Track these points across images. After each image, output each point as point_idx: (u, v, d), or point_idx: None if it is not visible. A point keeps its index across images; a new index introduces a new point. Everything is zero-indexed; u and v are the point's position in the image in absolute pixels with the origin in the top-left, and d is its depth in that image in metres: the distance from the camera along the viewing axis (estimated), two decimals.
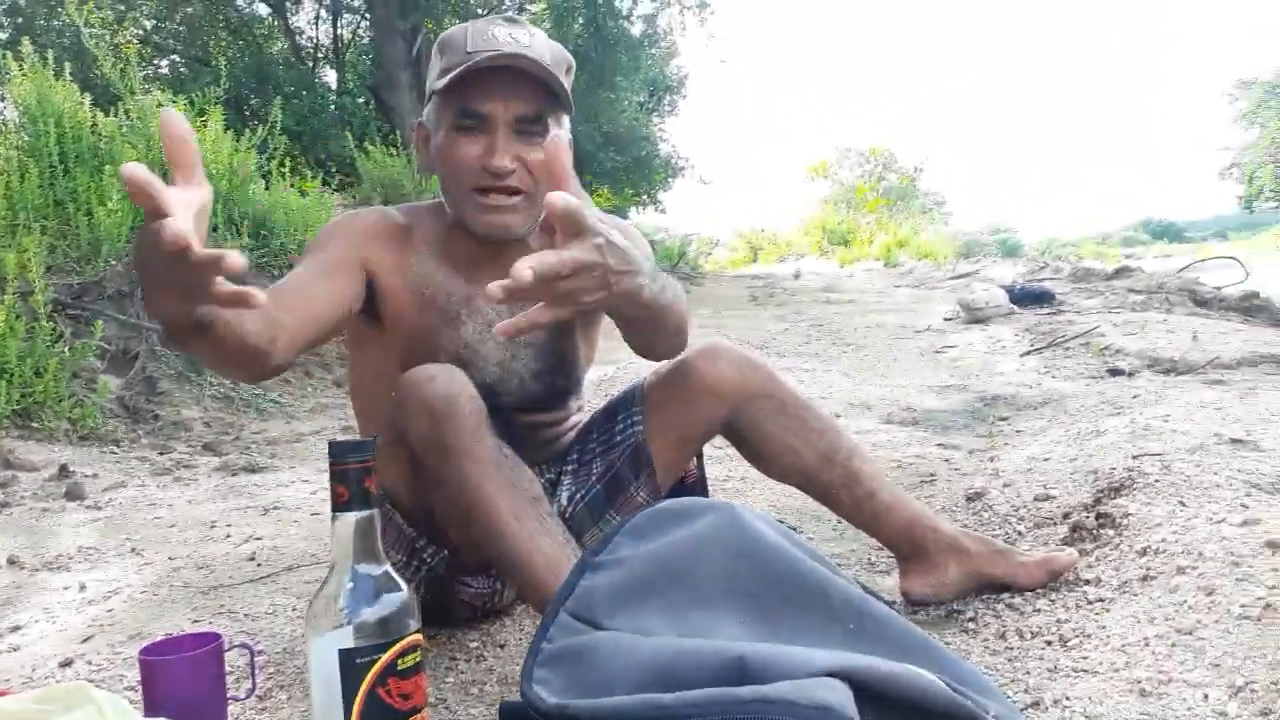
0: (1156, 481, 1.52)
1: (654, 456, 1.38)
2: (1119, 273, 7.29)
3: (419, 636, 0.82)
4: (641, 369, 4.28)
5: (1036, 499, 1.76)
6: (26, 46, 4.50)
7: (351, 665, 0.77)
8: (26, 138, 4.35)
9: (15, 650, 1.48)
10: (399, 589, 0.83)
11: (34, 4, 8.89)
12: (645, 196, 13.08)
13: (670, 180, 13.20)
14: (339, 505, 0.82)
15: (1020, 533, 1.65)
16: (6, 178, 3.99)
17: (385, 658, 0.78)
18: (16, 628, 1.60)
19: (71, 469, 2.77)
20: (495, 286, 0.88)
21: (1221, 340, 3.82)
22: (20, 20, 8.60)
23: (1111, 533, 1.40)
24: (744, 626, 0.73)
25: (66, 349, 3.35)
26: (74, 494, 2.56)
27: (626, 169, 11.92)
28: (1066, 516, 1.61)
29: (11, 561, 1.95)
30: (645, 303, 0.99)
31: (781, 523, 0.88)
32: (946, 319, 5.98)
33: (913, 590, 1.36)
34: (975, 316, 5.67)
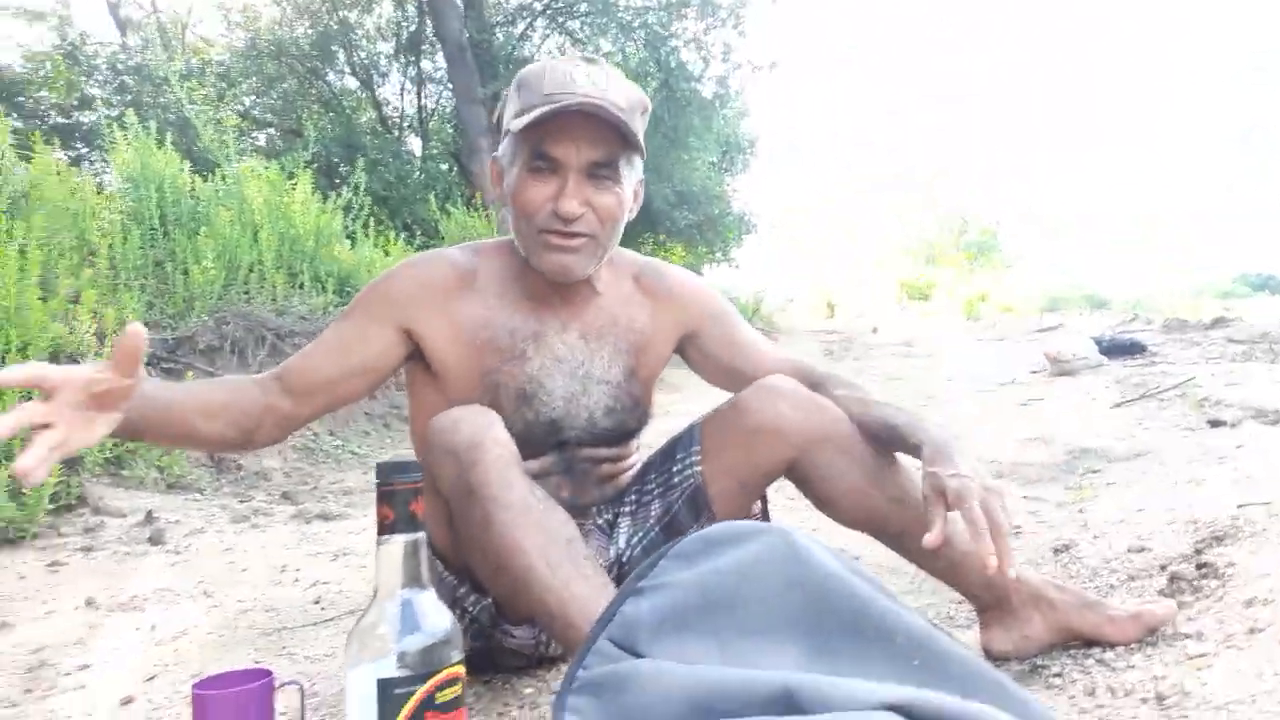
0: (1264, 530, 1.41)
1: (713, 500, 1.32)
2: (1217, 323, 6.96)
3: (460, 669, 0.79)
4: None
5: (1130, 550, 1.65)
6: (131, 116, 4.79)
7: (389, 695, 0.74)
8: (130, 203, 4.61)
9: (81, 688, 1.50)
10: (444, 617, 0.80)
11: (142, 82, 9.48)
12: (719, 254, 13.11)
13: (743, 236, 13.21)
14: (384, 528, 0.80)
15: (1113, 585, 1.54)
16: (110, 239, 4.21)
17: (424, 689, 0.75)
18: (85, 666, 1.62)
19: (156, 515, 2.84)
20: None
21: None
22: (129, 97, 9.17)
23: (1215, 583, 1.29)
24: (797, 659, 0.67)
25: None
26: (156, 539, 2.62)
27: (700, 227, 11.99)
28: (1164, 568, 1.50)
29: (89, 602, 1.99)
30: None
31: (842, 551, 0.82)
32: (1033, 371, 5.78)
33: (994, 644, 1.27)
34: (1062, 369, 5.46)
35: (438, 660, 0.77)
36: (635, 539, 1.37)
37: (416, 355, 1.33)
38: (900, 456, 1.33)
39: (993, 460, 3.21)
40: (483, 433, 1.14)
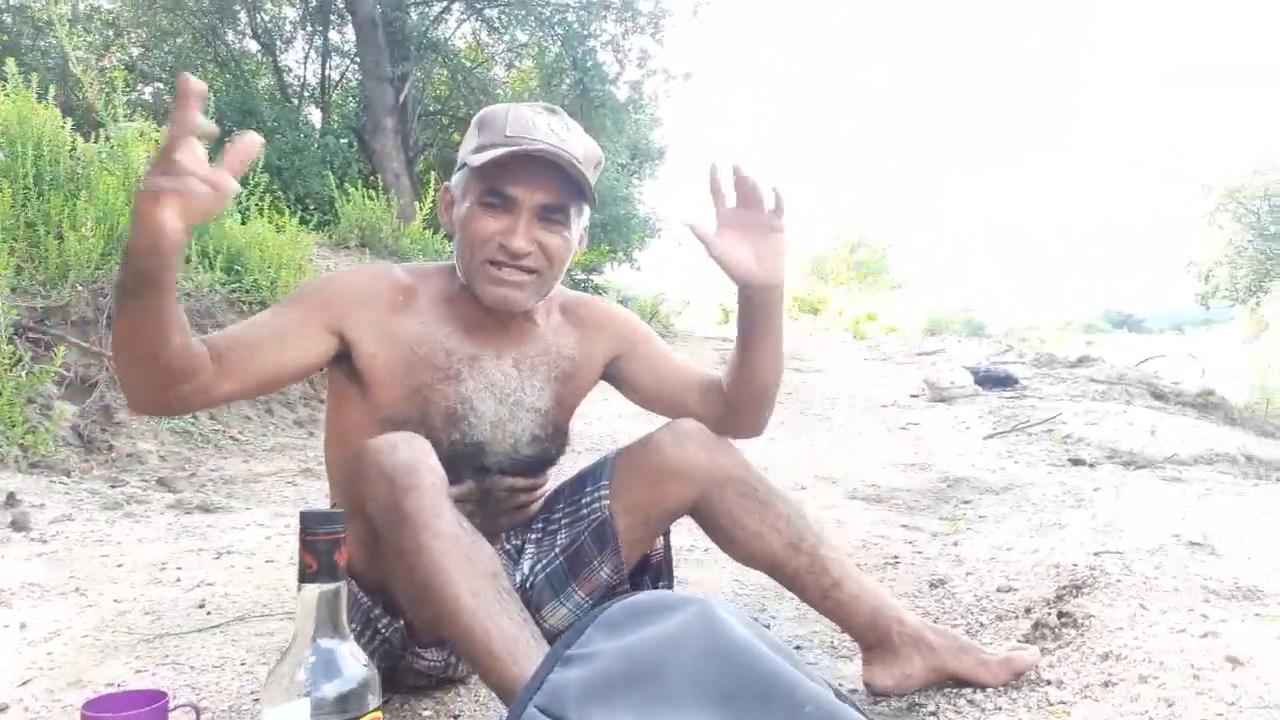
0: (1118, 581, 1.54)
1: (619, 534, 1.37)
2: (1081, 361, 7.43)
3: (379, 715, 0.80)
4: (604, 429, 4.27)
5: (999, 590, 1.77)
6: (11, 67, 4.48)
7: None
8: (3, 158, 4.31)
9: None
10: (361, 665, 0.81)
11: (21, 23, 8.86)
12: (621, 254, 13.18)
13: (647, 239, 13.31)
14: (306, 576, 0.80)
15: (982, 624, 1.65)
16: None
17: None
18: None
19: (19, 498, 2.69)
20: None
21: (1179, 436, 3.90)
22: (6, 38, 8.55)
23: (1073, 632, 1.40)
24: None
25: (24, 373, 3.27)
26: (19, 524, 2.48)
27: (605, 226, 12.01)
28: (1028, 611, 1.62)
29: None
30: (779, 321, 1.34)
31: (755, 620, 0.87)
32: (913, 395, 6.05)
33: (875, 681, 1.36)
34: (940, 395, 5.74)
35: (355, 707, 0.78)
36: (539, 566, 1.40)
37: (344, 360, 1.33)
38: (797, 502, 1.43)
39: (873, 484, 3.36)
40: (419, 459, 1.15)
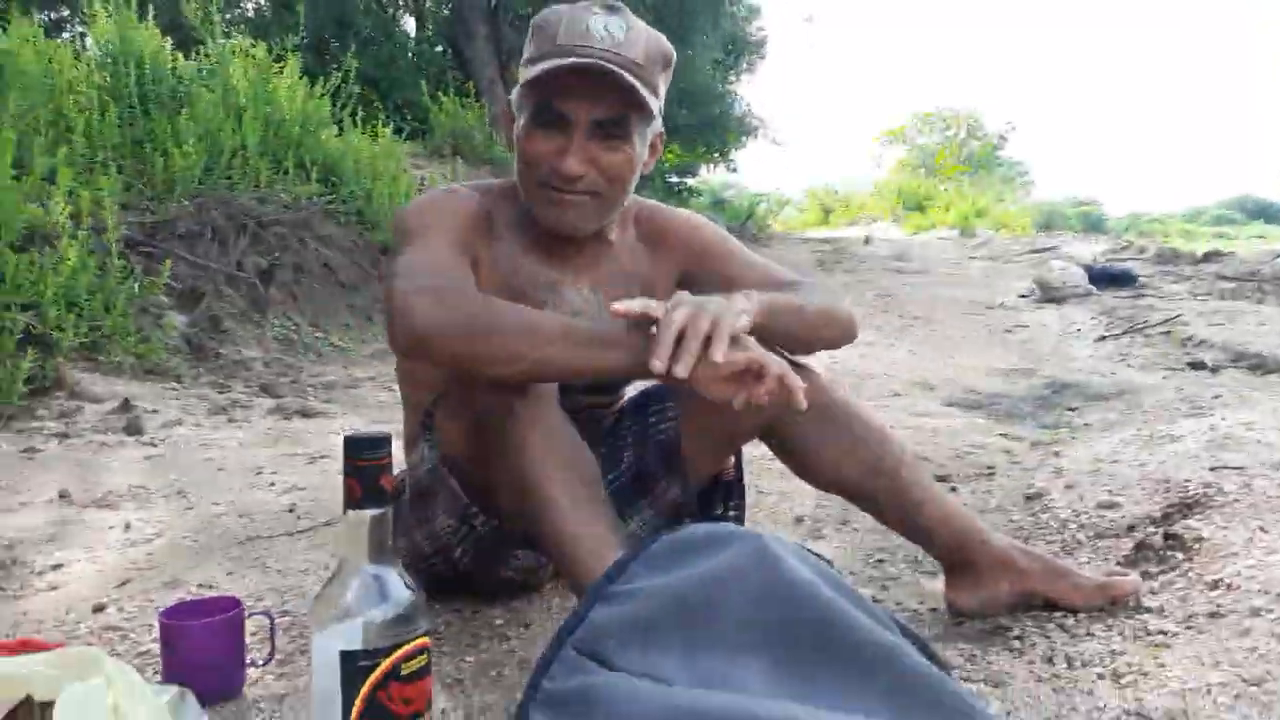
0: (1236, 501, 1.42)
1: (686, 458, 1.33)
2: (1209, 256, 6.93)
3: (426, 640, 0.78)
4: None
5: (1100, 506, 1.66)
6: None
7: (354, 668, 0.74)
8: (108, 77, 4.42)
9: (54, 589, 1.51)
10: (408, 590, 0.80)
11: None
12: (718, 154, 12.87)
13: (744, 139, 12.93)
14: (351, 502, 0.79)
15: (1080, 541, 1.56)
16: (87, 115, 4.06)
17: (389, 662, 0.74)
18: (58, 565, 1.63)
19: (133, 404, 2.83)
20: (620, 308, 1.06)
21: None
22: None
23: (1180, 556, 1.30)
24: (767, 676, 0.67)
25: (136, 285, 3.41)
26: (133, 429, 2.62)
27: (699, 127, 11.71)
28: (1131, 529, 1.51)
29: (62, 496, 1.99)
30: (776, 322, 1.15)
31: (814, 554, 0.81)
32: (1021, 296, 5.77)
33: (959, 602, 1.29)
34: (1051, 295, 5.45)
35: (404, 633, 0.77)
36: (607, 480, 1.37)
37: None
38: (878, 422, 1.34)
39: (972, 389, 3.22)
40: None
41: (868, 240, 11.02)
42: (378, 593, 0.78)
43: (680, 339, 1.02)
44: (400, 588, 0.79)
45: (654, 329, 1.05)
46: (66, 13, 8.88)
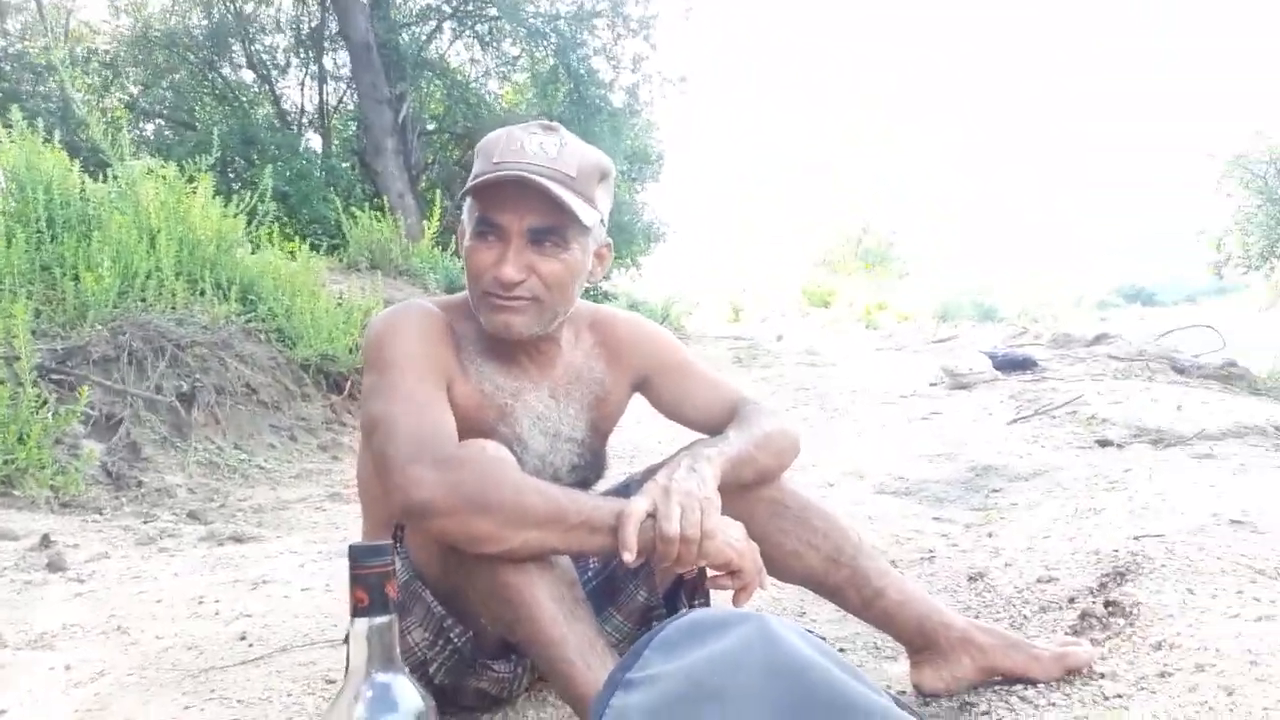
0: (1162, 566, 1.53)
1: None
2: (1098, 339, 7.39)
3: None
4: (627, 437, 4.26)
5: (1040, 581, 1.76)
6: (16, 114, 4.53)
7: None
8: (14, 203, 4.35)
9: None
10: (417, 699, 0.81)
11: (20, 70, 8.95)
12: (628, 261, 13.19)
13: (652, 245, 13.34)
14: (358, 610, 0.80)
15: (1026, 616, 1.64)
16: None
17: None
18: (1, 711, 1.54)
19: (53, 539, 2.70)
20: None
21: (1205, 410, 3.86)
22: (6, 84, 8.64)
23: (1122, 622, 1.39)
24: None
25: (50, 415, 3.30)
26: (56, 565, 2.49)
27: (612, 234, 12.02)
28: (1072, 600, 1.60)
29: None
30: (733, 475, 1.27)
31: (810, 633, 0.87)
32: (932, 384, 6.03)
33: (925, 683, 1.35)
34: (959, 383, 5.72)
35: None
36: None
37: None
38: (832, 512, 1.41)
39: (900, 476, 3.35)
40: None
41: (780, 337, 11.37)
42: (386, 701, 0.79)
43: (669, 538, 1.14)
44: (411, 696, 0.81)
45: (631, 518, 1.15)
46: None
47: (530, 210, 1.24)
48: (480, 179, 1.24)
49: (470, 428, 1.28)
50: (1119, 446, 3.35)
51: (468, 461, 1.16)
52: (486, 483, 1.13)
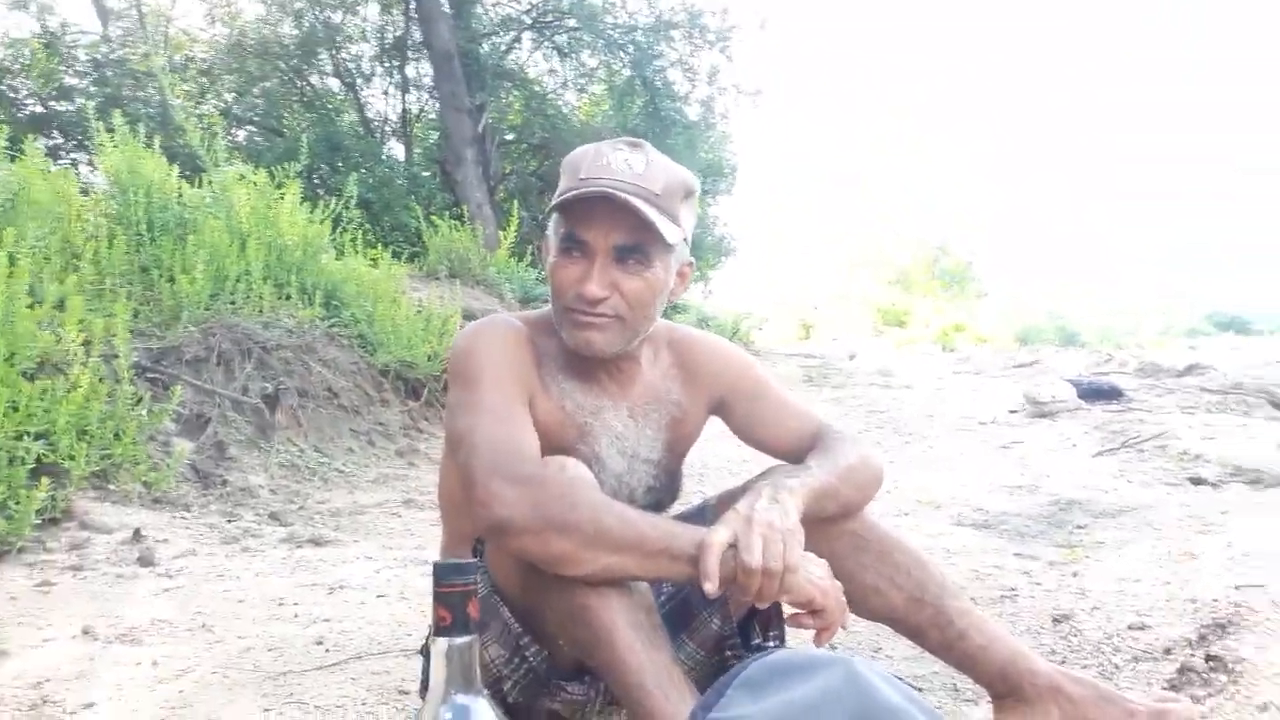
0: (1268, 620, 1.45)
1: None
2: (1189, 369, 7.10)
3: None
4: (707, 458, 4.24)
5: (1131, 628, 1.69)
6: (118, 119, 4.73)
7: None
8: (116, 206, 4.54)
9: None
10: (494, 719, 0.81)
11: (121, 76, 9.35)
12: (699, 275, 13.18)
13: (723, 259, 13.30)
14: (440, 629, 0.80)
15: (1117, 665, 1.57)
16: (96, 244, 4.15)
17: None
18: (90, 704, 1.60)
19: (144, 533, 2.80)
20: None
21: None
22: (108, 90, 9.03)
23: (1224, 679, 1.33)
24: None
25: (145, 412, 3.43)
26: (146, 560, 2.59)
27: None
28: (1168, 651, 1.54)
29: (86, 631, 1.96)
30: (816, 507, 1.23)
31: (899, 679, 0.84)
32: (1012, 411, 5.87)
33: None
34: (1041, 411, 5.55)
35: None
36: None
37: None
38: (915, 549, 1.38)
39: (980, 508, 3.26)
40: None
41: (853, 356, 11.21)
42: None
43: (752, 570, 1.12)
44: (487, 717, 0.80)
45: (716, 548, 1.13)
46: (61, 139, 9.16)
47: (616, 227, 1.25)
48: (567, 195, 1.25)
49: (550, 445, 1.28)
50: (1214, 486, 3.20)
51: (549, 480, 1.16)
52: (566, 503, 1.13)
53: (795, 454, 1.38)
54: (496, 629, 1.29)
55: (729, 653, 1.36)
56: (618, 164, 1.26)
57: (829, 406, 6.77)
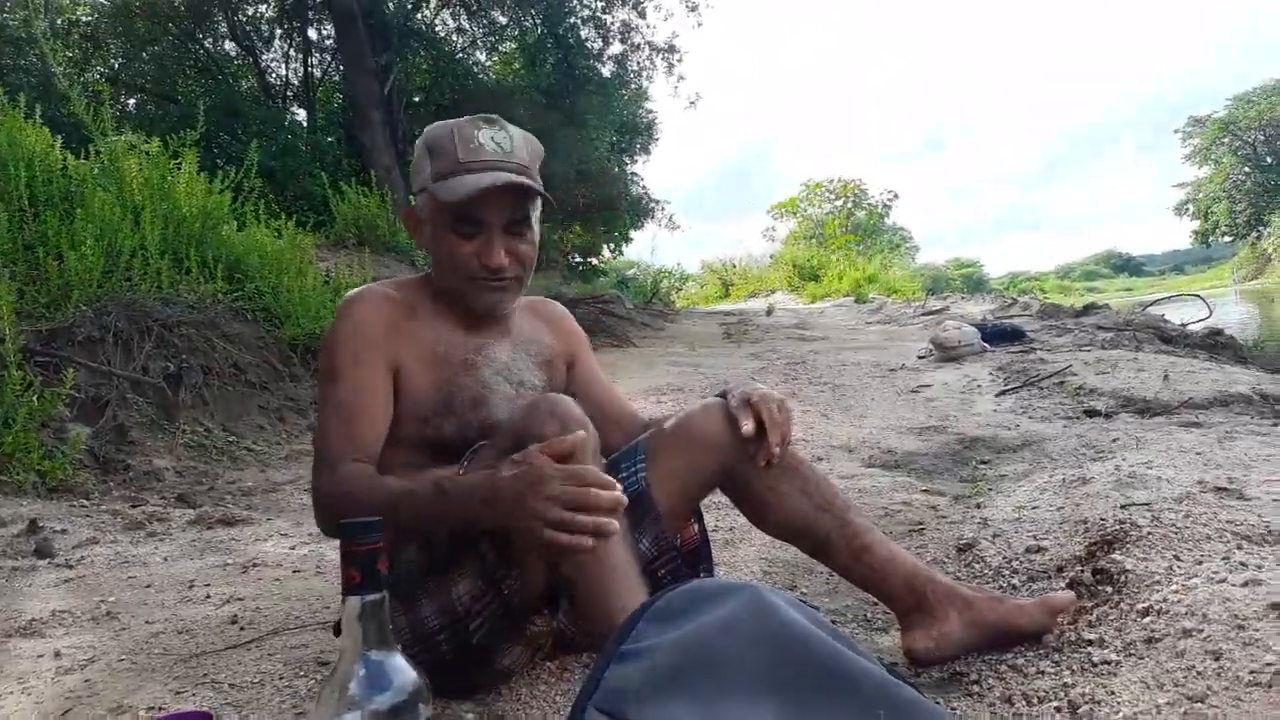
0: (1149, 534, 1.53)
1: (657, 501, 1.42)
2: (1086, 310, 7.41)
3: None
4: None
5: (1028, 551, 1.77)
6: None
7: None
8: None
9: None
10: (411, 675, 0.81)
11: (1, 43, 8.80)
12: (617, 234, 13.16)
13: (641, 219, 13.28)
14: (351, 588, 0.80)
15: (1015, 586, 1.65)
16: None
17: None
18: None
19: (41, 524, 2.69)
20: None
21: (1192, 380, 3.88)
22: None
23: (1110, 589, 1.40)
24: (776, 716, 0.72)
25: (35, 398, 3.27)
26: (44, 551, 2.49)
27: (598, 207, 11.98)
28: (1060, 570, 1.62)
29: None
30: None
31: (803, 602, 0.87)
32: (920, 357, 6.04)
33: (915, 646, 1.36)
34: (949, 355, 5.73)
35: (409, 718, 0.78)
36: None
37: None
38: (823, 471, 1.52)
39: (890, 450, 3.36)
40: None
41: (770, 311, 11.36)
42: (380, 679, 0.79)
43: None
44: (403, 673, 0.80)
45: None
46: None
47: (505, 204, 1.40)
48: (471, 188, 1.34)
49: (429, 385, 1.42)
50: (1106, 416, 3.36)
51: (350, 478, 1.36)
52: (352, 499, 1.31)
53: (625, 417, 1.61)
54: (472, 565, 1.31)
55: (662, 572, 1.41)
56: (489, 145, 1.40)
57: (749, 361, 6.87)
